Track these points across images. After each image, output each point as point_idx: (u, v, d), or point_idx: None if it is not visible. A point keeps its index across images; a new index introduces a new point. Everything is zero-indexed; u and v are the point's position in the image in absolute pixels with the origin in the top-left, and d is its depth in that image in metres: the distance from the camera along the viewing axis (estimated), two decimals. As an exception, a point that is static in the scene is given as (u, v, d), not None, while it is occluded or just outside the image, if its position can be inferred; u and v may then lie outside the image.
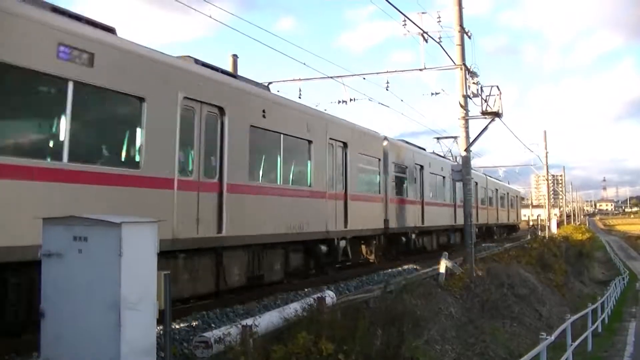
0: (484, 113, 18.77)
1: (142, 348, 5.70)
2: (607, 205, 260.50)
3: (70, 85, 7.75)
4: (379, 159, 18.58)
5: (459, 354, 11.11)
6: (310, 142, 13.97)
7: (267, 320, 8.13)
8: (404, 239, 20.66)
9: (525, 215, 77.38)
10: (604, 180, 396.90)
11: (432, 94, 21.79)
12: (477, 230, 30.93)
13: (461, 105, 18.80)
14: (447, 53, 18.56)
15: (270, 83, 20.94)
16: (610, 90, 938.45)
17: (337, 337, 7.55)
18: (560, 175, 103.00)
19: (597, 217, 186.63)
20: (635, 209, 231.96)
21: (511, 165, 62.45)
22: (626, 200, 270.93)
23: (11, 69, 7.07)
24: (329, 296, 9.98)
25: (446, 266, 15.74)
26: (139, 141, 8.92)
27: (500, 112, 18.77)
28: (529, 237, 43.18)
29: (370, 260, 18.69)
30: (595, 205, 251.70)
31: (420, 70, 19.99)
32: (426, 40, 18.88)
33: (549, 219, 57.18)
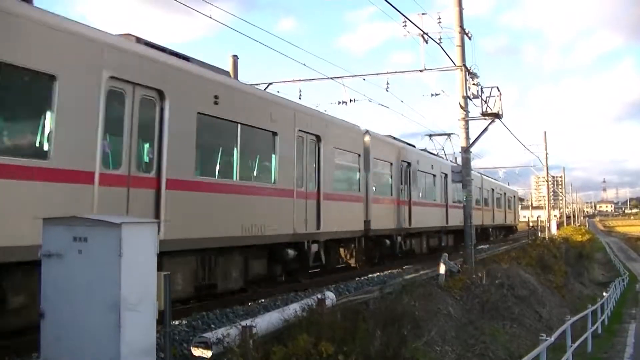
0: (484, 114, 18.79)
1: (142, 349, 5.70)
2: (607, 206, 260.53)
3: None
4: (359, 155, 17.05)
5: (459, 355, 11.09)
6: (274, 134, 12.51)
7: (266, 321, 8.12)
8: (388, 241, 19.18)
9: (525, 217, 77.39)
10: (604, 181, 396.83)
11: (432, 95, 21.79)
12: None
13: (461, 106, 18.80)
14: (447, 54, 18.60)
15: (270, 84, 21.01)
16: (610, 91, 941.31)
17: (337, 338, 7.55)
18: (560, 177, 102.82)
19: (597, 219, 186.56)
20: (635, 210, 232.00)
21: (511, 166, 62.59)
22: (626, 201, 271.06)
23: None
24: (329, 297, 9.98)
25: (446, 267, 15.73)
26: (48, 127, 7.58)
27: (500, 113, 18.79)
28: (528, 238, 42.48)
29: (352, 265, 17.69)
30: (595, 206, 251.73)
31: (421, 71, 19.99)
32: (426, 41, 18.91)
33: (549, 220, 57.18)
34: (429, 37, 18.60)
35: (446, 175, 25.64)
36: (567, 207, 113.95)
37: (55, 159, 7.58)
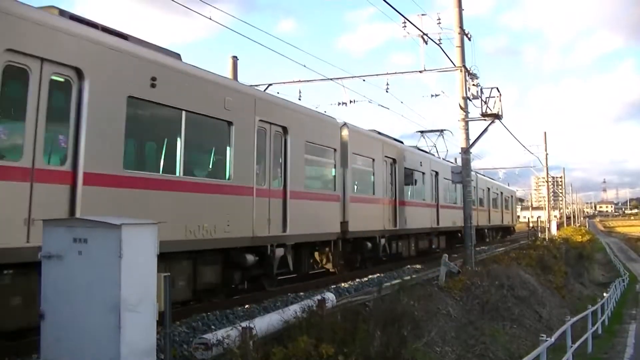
0: (484, 115, 18.81)
1: (142, 350, 5.70)
2: (607, 207, 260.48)
3: None
4: (335, 150, 15.53)
5: (459, 356, 11.10)
6: (230, 123, 11.06)
7: (266, 322, 8.13)
8: (369, 244, 17.61)
9: (525, 217, 77.37)
10: (604, 182, 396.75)
11: (432, 95, 21.80)
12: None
13: (461, 107, 18.82)
14: (447, 55, 18.62)
15: (270, 85, 21.02)
16: (610, 91, 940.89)
17: (337, 340, 7.55)
18: (560, 177, 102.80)
19: (597, 219, 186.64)
20: (635, 210, 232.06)
21: (511, 167, 62.67)
22: (626, 202, 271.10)
23: None
24: (329, 298, 9.99)
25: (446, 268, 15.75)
26: None
27: (500, 114, 18.82)
28: (527, 239, 42.20)
29: (331, 270, 16.25)
30: (595, 207, 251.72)
31: (420, 72, 20.01)
32: (426, 42, 18.94)
33: (549, 221, 57.18)
34: (429, 38, 18.66)
35: (437, 173, 24.84)
36: (567, 208, 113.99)
37: None
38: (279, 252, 12.50)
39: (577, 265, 39.00)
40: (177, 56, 10.59)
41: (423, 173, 23.24)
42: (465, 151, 19.05)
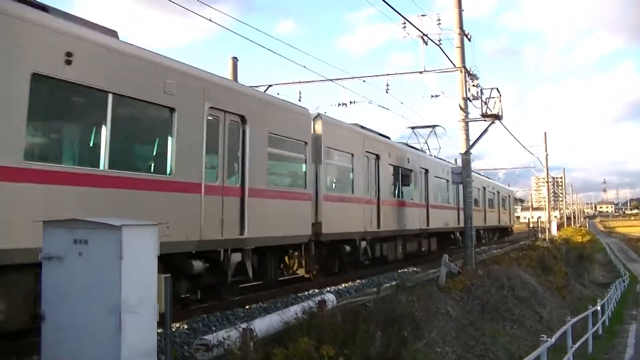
0: (484, 115, 18.83)
1: (143, 351, 5.70)
2: (607, 207, 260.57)
3: None
4: (306, 143, 13.94)
5: (459, 356, 11.11)
6: (172, 110, 9.55)
7: (267, 323, 8.14)
8: (348, 247, 16.11)
9: (525, 218, 77.38)
10: (604, 182, 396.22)
11: (432, 96, 21.82)
12: (459, 235, 26.91)
13: (461, 108, 18.83)
14: (447, 55, 18.64)
15: (270, 85, 21.02)
16: (610, 92, 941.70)
17: (337, 341, 7.56)
18: (561, 178, 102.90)
19: (598, 219, 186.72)
20: (635, 211, 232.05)
21: (511, 167, 62.72)
22: (626, 202, 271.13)
23: None
24: (329, 299, 9.99)
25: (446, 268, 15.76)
26: None
27: (500, 114, 18.84)
28: (528, 239, 42.06)
29: (306, 276, 14.92)
30: (595, 207, 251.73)
31: (420, 72, 20.02)
32: (426, 43, 18.95)
33: (549, 222, 57.22)
34: (429, 38, 18.68)
35: (427, 170, 23.54)
36: (568, 208, 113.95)
37: None
38: (235, 257, 11.04)
39: (578, 265, 39.00)
40: (114, 33, 9.15)
41: (411, 170, 21.71)
42: (466, 152, 19.07)
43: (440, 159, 28.52)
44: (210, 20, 14.33)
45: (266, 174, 12.25)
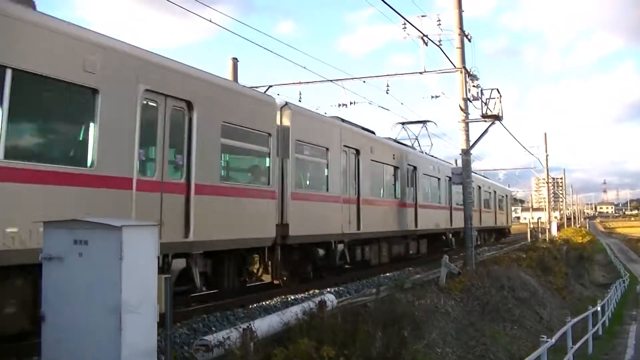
0: (484, 116, 18.83)
1: (143, 351, 5.71)
2: (607, 207, 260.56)
3: None
4: (270, 135, 12.37)
5: (459, 357, 11.11)
6: (94, 91, 8.14)
7: (267, 323, 8.15)
8: (321, 251, 14.66)
9: (525, 218, 77.36)
10: (605, 182, 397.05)
11: (433, 97, 21.82)
12: (451, 236, 26.32)
13: (461, 108, 18.83)
14: (447, 56, 18.63)
15: (270, 86, 20.98)
16: (610, 92, 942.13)
17: (338, 341, 7.56)
18: (561, 178, 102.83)
19: (598, 220, 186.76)
20: (635, 211, 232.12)
21: (511, 168, 62.71)
22: (626, 202, 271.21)
23: None
24: (329, 300, 9.99)
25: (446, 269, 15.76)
26: None
27: (500, 115, 18.84)
28: (529, 239, 41.83)
29: (275, 283, 13.78)
30: (595, 208, 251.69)
31: (421, 73, 19.98)
32: (426, 44, 18.92)
33: (550, 222, 57.23)
34: (429, 39, 18.65)
35: (415, 168, 22.17)
36: (568, 209, 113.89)
37: None
38: (178, 263, 9.68)
39: (578, 266, 39.00)
40: (28, 3, 7.85)
41: (397, 167, 20.22)
42: (466, 152, 19.07)
43: (432, 156, 27.31)
44: (210, 21, 14.36)
45: (219, 168, 10.91)
